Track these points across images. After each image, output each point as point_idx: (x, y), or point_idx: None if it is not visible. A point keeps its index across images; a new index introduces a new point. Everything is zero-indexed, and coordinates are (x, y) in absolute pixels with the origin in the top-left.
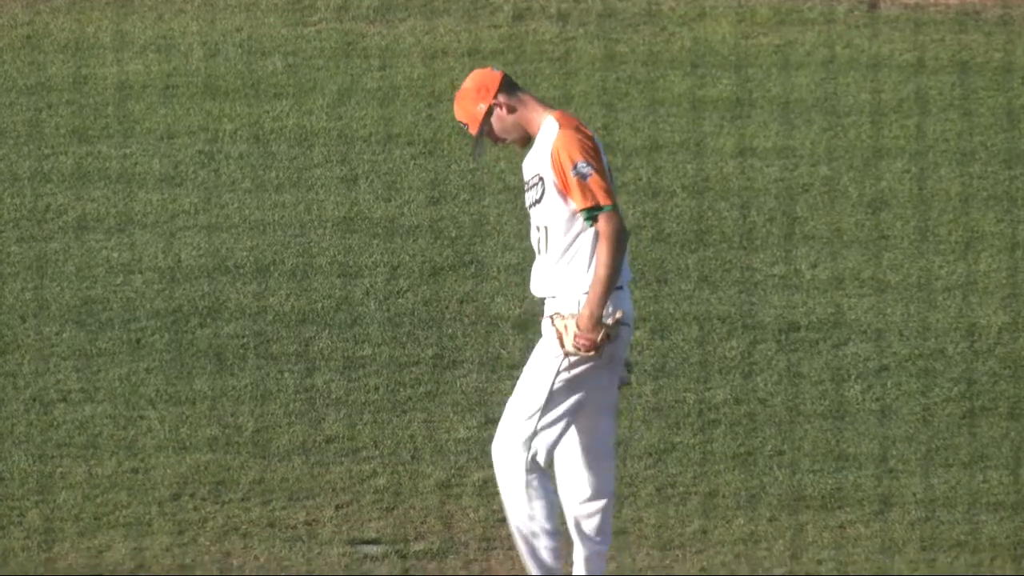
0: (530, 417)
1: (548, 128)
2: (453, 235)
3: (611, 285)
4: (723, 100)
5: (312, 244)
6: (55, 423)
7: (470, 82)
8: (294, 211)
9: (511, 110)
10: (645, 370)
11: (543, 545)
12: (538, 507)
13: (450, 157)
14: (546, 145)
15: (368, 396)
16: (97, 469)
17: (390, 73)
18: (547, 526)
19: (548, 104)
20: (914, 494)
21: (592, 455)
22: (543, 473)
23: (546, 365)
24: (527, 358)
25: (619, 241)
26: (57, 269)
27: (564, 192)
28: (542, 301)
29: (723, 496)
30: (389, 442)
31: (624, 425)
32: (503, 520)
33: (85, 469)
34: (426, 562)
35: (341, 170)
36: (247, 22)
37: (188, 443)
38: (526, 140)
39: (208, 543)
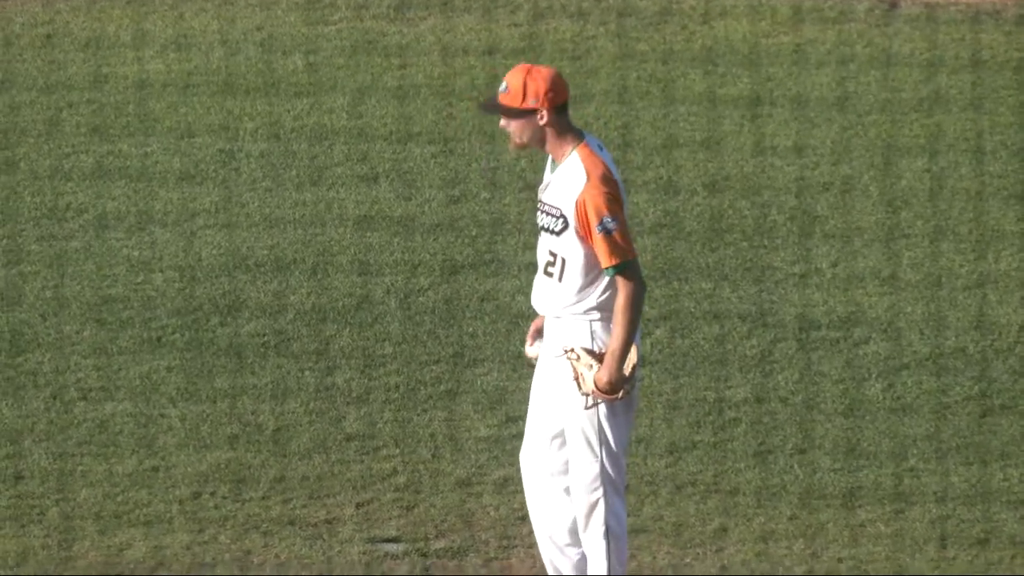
0: (594, 486)
1: (574, 167)
2: (473, 233)
3: (629, 345)
4: (741, 98)
5: (332, 242)
6: (75, 421)
7: (549, 74)
8: (314, 209)
9: (547, 124)
10: (665, 368)
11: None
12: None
13: (469, 155)
14: (573, 188)
15: (388, 394)
16: (117, 467)
17: (409, 71)
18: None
19: (578, 134)
20: (933, 492)
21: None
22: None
23: (584, 423)
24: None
25: (638, 301)
26: (77, 267)
27: (586, 240)
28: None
29: (742, 494)
30: (409, 440)
31: (644, 423)
32: (523, 518)
33: (105, 467)
34: (446, 560)
35: (361, 168)
36: (267, 20)
37: (208, 441)
38: (525, 148)
39: (228, 541)
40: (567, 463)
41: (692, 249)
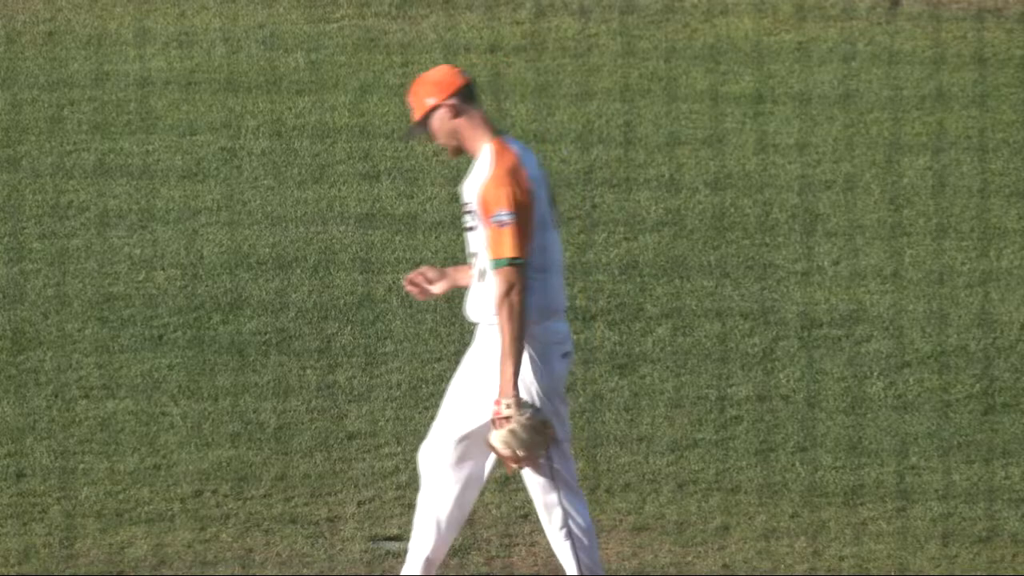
0: (549, 488)
1: (484, 159)
2: None
3: (519, 345)
4: (744, 96)
5: (334, 240)
6: (77, 419)
7: (434, 74)
8: (316, 207)
9: (455, 116)
10: (667, 366)
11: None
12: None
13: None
14: (479, 180)
15: (390, 392)
16: (119, 465)
17: (412, 69)
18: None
19: (495, 128)
20: (935, 489)
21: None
22: (580, 504)
23: (485, 394)
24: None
25: (514, 300)
26: (79, 265)
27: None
28: (474, 325)
29: (744, 492)
30: (411, 438)
31: (646, 421)
32: (525, 516)
33: (107, 464)
34: (448, 558)
35: (363, 166)
36: (269, 18)
37: (210, 439)
38: (458, 151)
39: (230, 539)
40: (467, 459)
41: (694, 246)
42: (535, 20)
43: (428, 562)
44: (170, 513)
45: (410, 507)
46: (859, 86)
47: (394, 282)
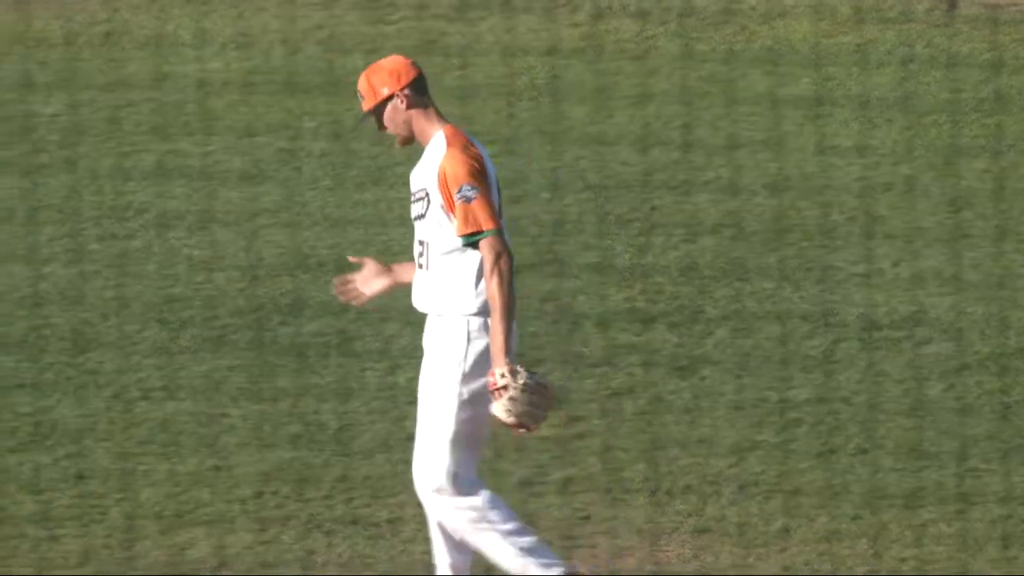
0: (441, 449)
1: (437, 143)
2: (534, 233)
3: (510, 314)
4: (803, 98)
5: (393, 241)
6: (137, 420)
7: (387, 63)
8: (375, 208)
9: (408, 107)
10: (727, 368)
11: (526, 543)
12: (496, 517)
13: (530, 155)
14: (434, 162)
15: None
16: (179, 466)
17: (470, 71)
18: (512, 527)
19: (444, 118)
20: (995, 492)
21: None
22: (476, 488)
23: (444, 392)
24: (609, 357)
25: (503, 268)
26: (139, 267)
27: (449, 212)
28: (424, 316)
29: (805, 494)
30: None
31: (706, 423)
32: (586, 518)
33: (167, 466)
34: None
35: None
36: (328, 19)
37: (270, 440)
38: (407, 140)
39: (290, 541)
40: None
41: (754, 249)
42: (593, 22)
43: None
44: (230, 515)
45: None
46: (917, 88)
47: None
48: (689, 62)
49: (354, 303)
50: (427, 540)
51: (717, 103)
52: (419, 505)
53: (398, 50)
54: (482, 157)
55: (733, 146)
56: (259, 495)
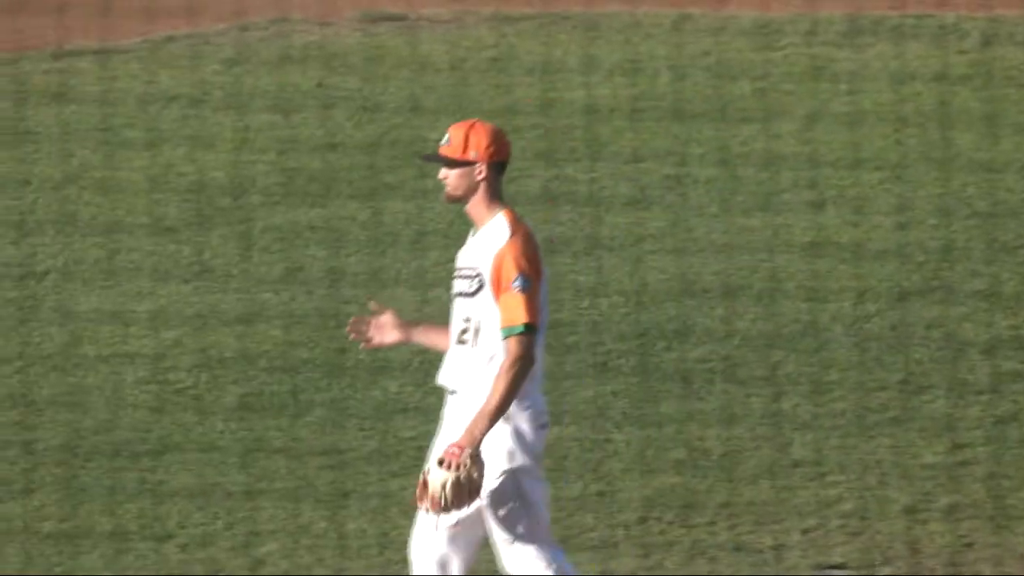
0: (527, 552)
1: (498, 226)
2: (920, 259)
3: (499, 413)
4: None
5: (779, 268)
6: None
7: (491, 130)
8: (761, 235)
9: (483, 181)
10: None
11: None
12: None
13: (918, 182)
14: (493, 246)
15: (835, 420)
16: (564, 491)
17: (858, 97)
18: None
19: (506, 202)
20: None
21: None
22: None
23: (505, 493)
24: (995, 384)
25: (518, 370)
26: None
27: (495, 298)
28: (449, 392)
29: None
30: (856, 466)
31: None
32: (970, 545)
33: (553, 491)
34: None
35: (809, 194)
36: (715, 46)
37: (654, 466)
38: (454, 201)
39: (674, 567)
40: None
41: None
42: (982, 49)
43: None
44: (614, 540)
45: (854, 535)
46: None
47: (838, 311)
48: None
49: (362, 345)
50: (811, 567)
51: None
52: (803, 532)
53: (787, 77)
54: (538, 251)
55: None
56: (643, 520)
